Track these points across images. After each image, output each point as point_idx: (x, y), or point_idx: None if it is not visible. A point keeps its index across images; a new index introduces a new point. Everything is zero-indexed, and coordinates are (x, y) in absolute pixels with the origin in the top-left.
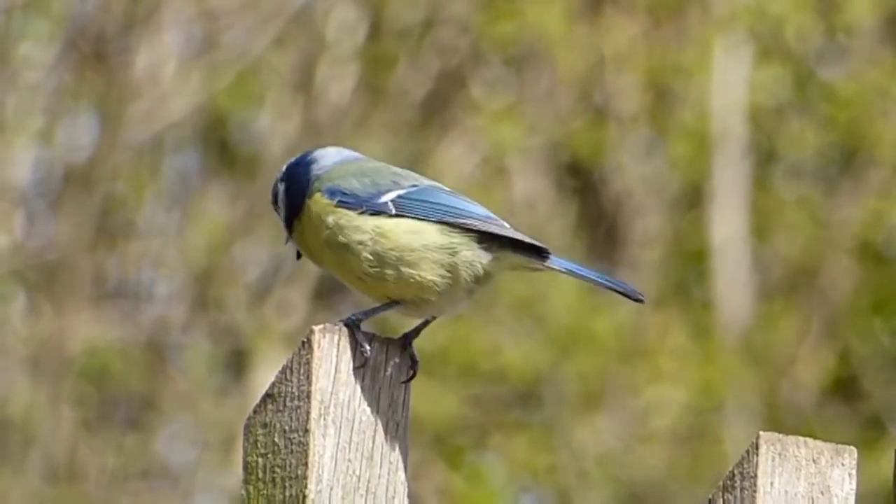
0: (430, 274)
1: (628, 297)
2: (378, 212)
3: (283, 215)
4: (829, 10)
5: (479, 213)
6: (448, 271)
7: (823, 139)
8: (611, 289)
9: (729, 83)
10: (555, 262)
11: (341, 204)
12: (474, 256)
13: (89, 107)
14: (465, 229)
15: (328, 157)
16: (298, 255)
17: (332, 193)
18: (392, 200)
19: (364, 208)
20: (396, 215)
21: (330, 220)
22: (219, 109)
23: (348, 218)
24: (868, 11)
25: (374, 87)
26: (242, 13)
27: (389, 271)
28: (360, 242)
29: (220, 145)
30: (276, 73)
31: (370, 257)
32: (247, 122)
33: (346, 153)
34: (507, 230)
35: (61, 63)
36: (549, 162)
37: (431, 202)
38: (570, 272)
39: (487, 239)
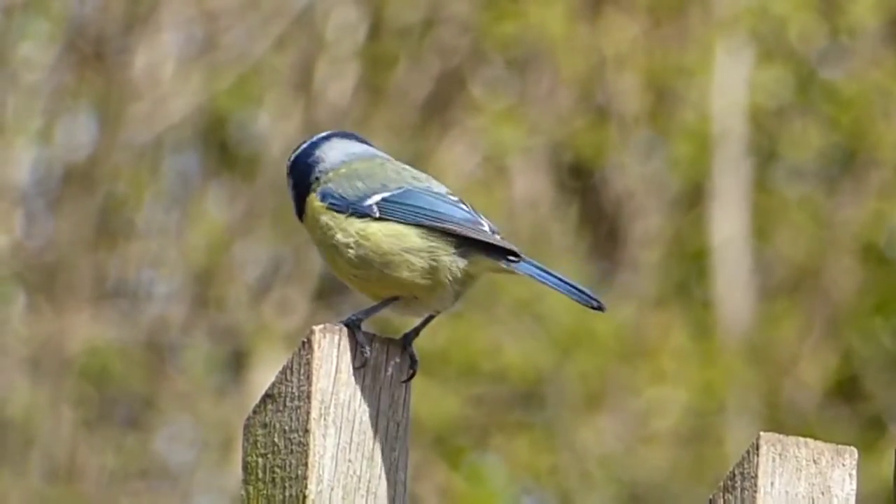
0: (412, 276)
1: (585, 305)
2: (363, 214)
3: (293, 208)
4: (832, 11)
5: (457, 217)
6: (429, 273)
7: (825, 140)
8: (568, 296)
9: (730, 83)
10: (521, 266)
11: (331, 206)
12: (452, 260)
13: (89, 107)
14: (443, 232)
15: (334, 156)
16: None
17: (324, 196)
18: (376, 203)
19: (350, 211)
20: (380, 218)
21: (322, 220)
22: (219, 110)
23: (336, 220)
24: (870, 12)
25: (374, 87)
26: (242, 13)
27: (373, 273)
28: (346, 245)
29: (219, 146)
30: (276, 73)
31: (354, 259)
32: (247, 122)
33: (356, 149)
34: (481, 234)
35: (61, 63)
36: (550, 162)
37: (411, 205)
38: (531, 277)
39: (464, 243)
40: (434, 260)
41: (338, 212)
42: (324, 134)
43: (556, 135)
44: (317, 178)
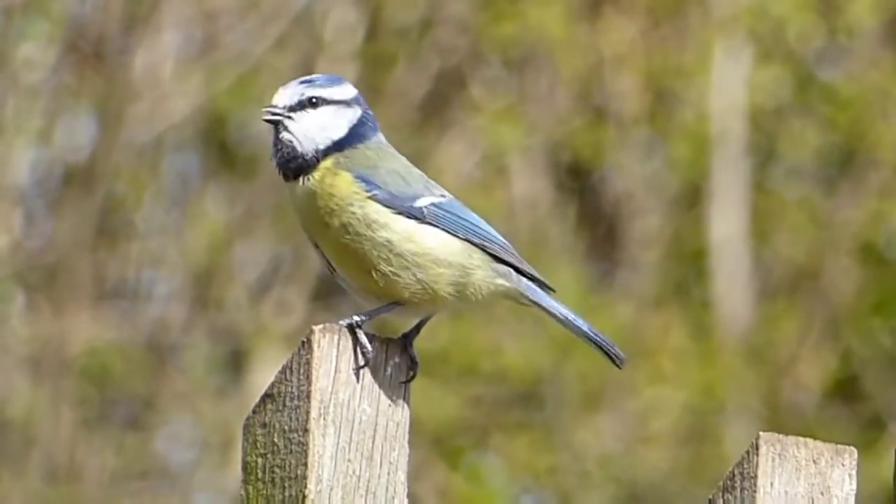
0: (442, 287)
1: (610, 358)
2: (412, 216)
3: (282, 153)
4: (830, 12)
5: (500, 240)
6: (457, 289)
7: (824, 140)
8: (596, 345)
9: (729, 84)
10: (554, 306)
11: (375, 198)
12: (484, 281)
13: (89, 107)
14: (485, 252)
15: (374, 134)
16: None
17: (366, 182)
18: (426, 207)
19: (400, 209)
20: (427, 223)
21: (356, 208)
22: (219, 110)
23: (379, 213)
24: (868, 13)
25: (373, 87)
26: (242, 13)
27: (404, 274)
28: (387, 241)
29: (219, 146)
30: (276, 73)
31: (391, 257)
32: (247, 122)
33: (360, 126)
34: (522, 262)
35: (61, 63)
36: (549, 162)
37: (462, 218)
38: (564, 319)
39: (498, 266)
40: (467, 276)
41: (385, 206)
42: (339, 86)
43: (554, 135)
44: (353, 145)
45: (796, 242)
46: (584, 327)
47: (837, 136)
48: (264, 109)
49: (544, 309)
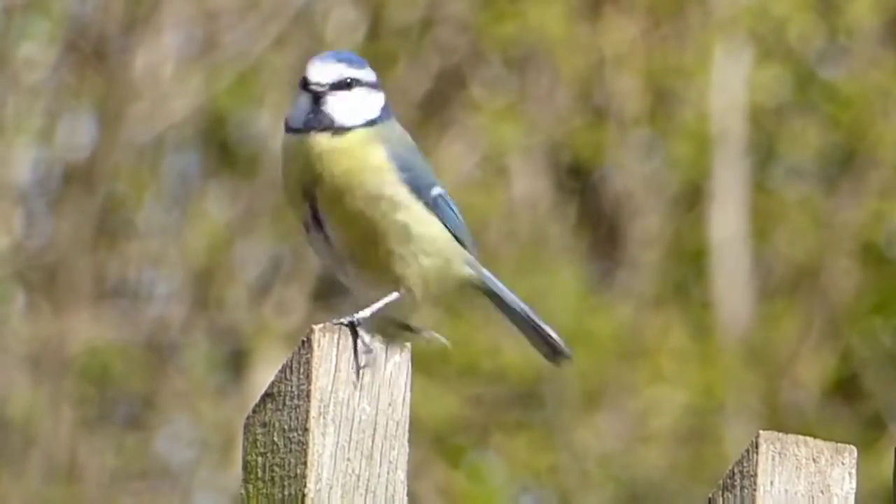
0: (432, 277)
1: (554, 353)
2: (426, 203)
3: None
4: (831, 11)
5: (469, 239)
6: (436, 280)
7: (824, 139)
8: (543, 339)
9: (729, 83)
10: (510, 294)
11: (403, 179)
12: (456, 274)
13: (89, 107)
14: (460, 246)
15: (391, 119)
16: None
17: (400, 163)
18: (434, 197)
19: (418, 195)
20: (433, 212)
21: (387, 187)
22: (219, 110)
23: (404, 197)
24: (869, 12)
25: None
26: (242, 13)
27: (409, 258)
28: (404, 223)
29: (219, 146)
30: (276, 73)
31: (401, 238)
32: (247, 122)
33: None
34: (476, 262)
35: (62, 63)
36: (549, 162)
37: (454, 212)
38: (519, 309)
39: (465, 261)
40: (447, 269)
41: (410, 191)
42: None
43: (554, 134)
44: (381, 120)
45: (796, 242)
46: (536, 318)
47: (838, 136)
48: (311, 82)
49: (498, 296)
